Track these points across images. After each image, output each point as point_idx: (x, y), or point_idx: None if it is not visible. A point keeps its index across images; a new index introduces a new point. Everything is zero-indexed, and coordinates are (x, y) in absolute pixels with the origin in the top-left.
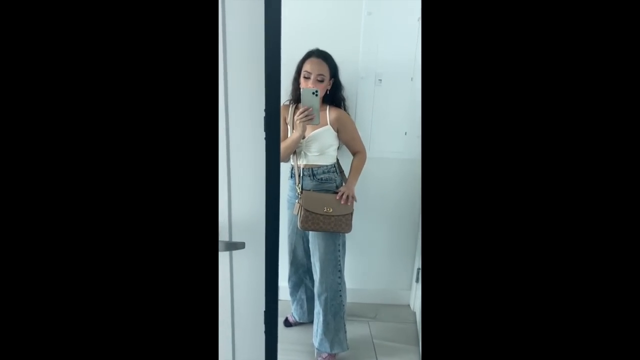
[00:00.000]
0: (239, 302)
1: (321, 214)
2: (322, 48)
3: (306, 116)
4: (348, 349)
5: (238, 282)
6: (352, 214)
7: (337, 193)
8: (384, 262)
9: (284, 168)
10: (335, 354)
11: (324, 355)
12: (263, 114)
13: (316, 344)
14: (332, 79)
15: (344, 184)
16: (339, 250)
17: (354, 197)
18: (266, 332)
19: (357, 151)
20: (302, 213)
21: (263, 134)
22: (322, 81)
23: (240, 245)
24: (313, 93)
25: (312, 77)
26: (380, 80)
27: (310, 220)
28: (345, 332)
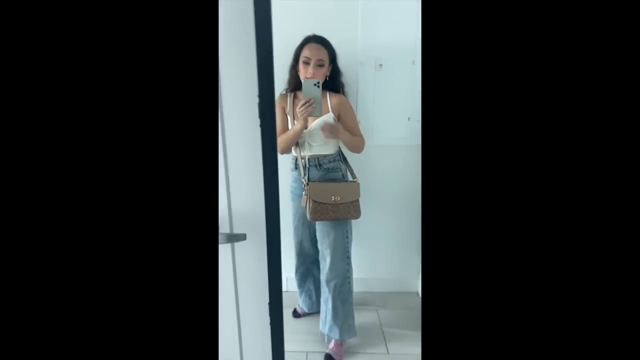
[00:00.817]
0: (243, 294)
1: (330, 204)
2: (319, 34)
3: (307, 108)
4: (356, 335)
5: (241, 274)
6: (359, 200)
7: (343, 182)
8: (392, 250)
9: (284, 158)
10: (343, 340)
11: (334, 342)
12: (257, 100)
13: (325, 331)
14: (331, 64)
15: (349, 173)
16: (347, 237)
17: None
18: (271, 324)
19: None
20: (310, 205)
21: (258, 122)
22: (322, 66)
23: (241, 237)
24: (315, 84)
25: (311, 62)
26: (381, 65)
27: (319, 210)
28: (354, 318)
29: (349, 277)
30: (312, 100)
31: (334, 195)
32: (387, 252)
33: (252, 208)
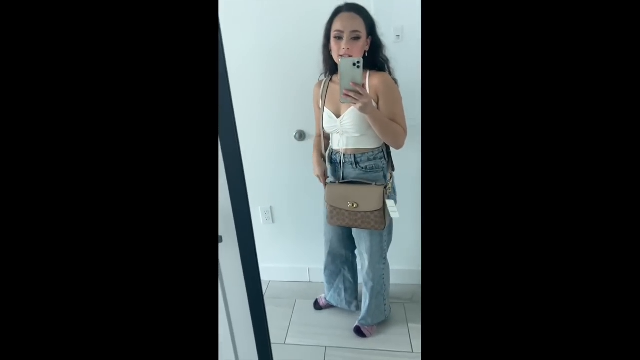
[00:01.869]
0: (230, 293)
1: (346, 210)
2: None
3: (355, 97)
4: (387, 315)
5: (226, 275)
6: (383, 209)
7: (365, 185)
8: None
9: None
10: (374, 325)
11: (365, 327)
12: None
13: (359, 318)
14: (370, 36)
15: (391, 172)
16: (385, 241)
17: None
18: (254, 324)
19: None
20: (327, 208)
21: None
22: (358, 39)
23: (218, 239)
24: (355, 64)
25: (344, 35)
26: (399, 36)
27: (335, 216)
28: (385, 303)
29: (384, 275)
30: (359, 87)
31: (350, 202)
32: (418, 243)
33: (223, 210)
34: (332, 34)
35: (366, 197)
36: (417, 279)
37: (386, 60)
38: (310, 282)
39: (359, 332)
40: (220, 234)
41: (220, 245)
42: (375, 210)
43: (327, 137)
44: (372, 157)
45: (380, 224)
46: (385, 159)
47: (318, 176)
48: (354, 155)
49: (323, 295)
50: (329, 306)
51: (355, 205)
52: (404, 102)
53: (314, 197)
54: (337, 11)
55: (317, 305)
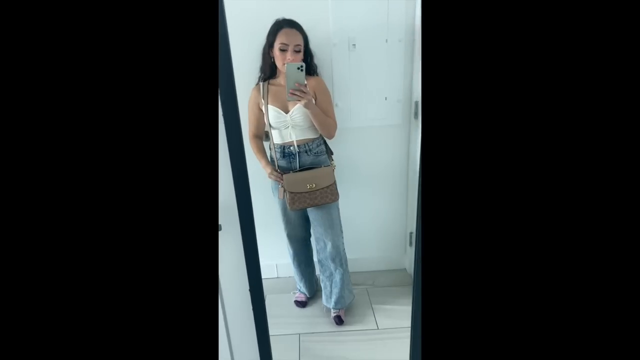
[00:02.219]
0: (225, 283)
1: (306, 192)
2: (289, 16)
3: (300, 95)
4: (354, 294)
5: (221, 264)
6: (335, 183)
7: (317, 168)
8: (378, 229)
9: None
10: (344, 307)
11: (340, 311)
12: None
13: (331, 305)
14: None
15: (331, 156)
16: (339, 212)
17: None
18: (254, 309)
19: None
20: (287, 196)
21: (220, 111)
22: (299, 52)
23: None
24: (298, 68)
25: (289, 48)
26: (354, 45)
27: (297, 200)
28: (350, 282)
29: (344, 248)
30: (303, 87)
31: (308, 184)
32: (374, 231)
33: (223, 199)
34: (277, 45)
35: (321, 177)
36: (373, 266)
37: (316, 67)
38: (278, 277)
39: (339, 320)
40: (219, 222)
41: (219, 234)
42: (330, 185)
43: (261, 137)
44: (319, 144)
45: (336, 195)
46: (324, 144)
47: (271, 175)
48: (307, 144)
49: (297, 291)
50: (309, 299)
51: (313, 186)
52: (364, 102)
53: (265, 195)
54: (280, 26)
55: (300, 304)
